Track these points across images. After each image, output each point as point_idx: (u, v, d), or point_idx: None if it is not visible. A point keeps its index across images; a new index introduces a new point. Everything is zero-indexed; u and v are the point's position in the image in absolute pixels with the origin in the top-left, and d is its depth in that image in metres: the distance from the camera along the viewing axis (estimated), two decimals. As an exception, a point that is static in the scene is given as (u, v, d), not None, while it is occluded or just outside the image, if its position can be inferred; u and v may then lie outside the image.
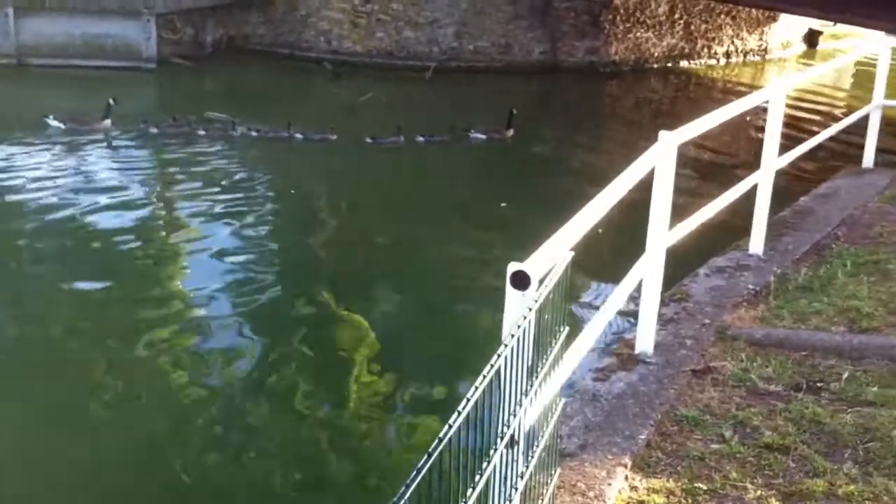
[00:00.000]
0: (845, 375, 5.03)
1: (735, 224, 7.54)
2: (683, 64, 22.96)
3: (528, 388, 3.16)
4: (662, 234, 5.09)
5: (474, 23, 20.13)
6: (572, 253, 3.49)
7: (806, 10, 17.30)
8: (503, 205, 11.82)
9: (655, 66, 22.44)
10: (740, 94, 19.68)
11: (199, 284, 9.21)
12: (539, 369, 3.29)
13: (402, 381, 7.48)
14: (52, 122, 13.78)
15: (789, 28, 25.15)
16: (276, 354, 7.98)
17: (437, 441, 2.28)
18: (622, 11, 21.45)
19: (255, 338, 8.24)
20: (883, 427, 4.49)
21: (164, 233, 10.68)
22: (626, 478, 4.16)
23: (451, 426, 2.35)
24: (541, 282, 3.21)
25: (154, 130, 14.13)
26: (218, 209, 11.42)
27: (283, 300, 9.12)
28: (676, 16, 22.44)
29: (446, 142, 14.84)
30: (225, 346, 7.96)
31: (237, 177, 12.84)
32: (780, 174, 7.05)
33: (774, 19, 24.18)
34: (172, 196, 11.93)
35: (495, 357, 2.81)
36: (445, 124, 15.05)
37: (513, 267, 3.15)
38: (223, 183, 12.44)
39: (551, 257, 3.33)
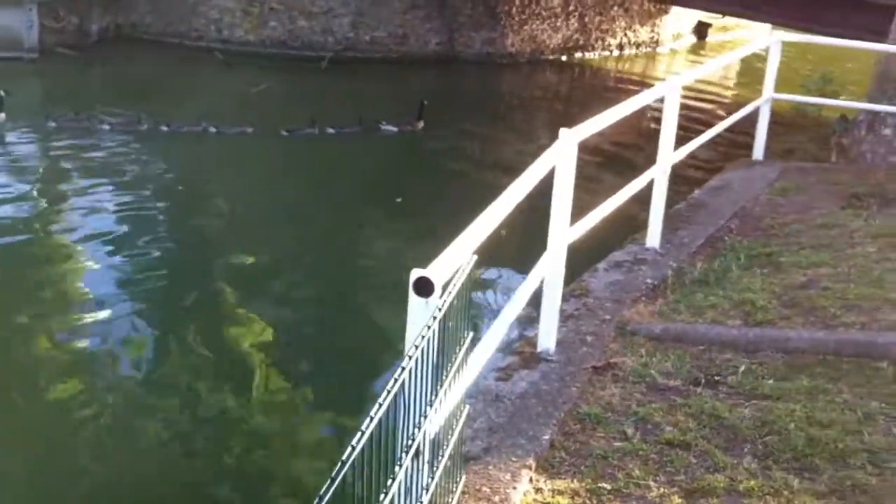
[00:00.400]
0: (742, 369, 5.11)
1: (635, 217, 7.62)
2: (578, 55, 23.24)
3: (433, 397, 3.09)
4: (563, 232, 5.07)
5: (371, 13, 19.96)
6: (475, 257, 3.43)
7: (695, 3, 17.66)
8: (398, 200, 11.77)
9: (551, 57, 22.66)
10: (634, 85, 20.08)
11: (90, 283, 9.01)
12: (444, 377, 3.22)
13: (301, 382, 7.37)
14: None
15: (679, 20, 25.72)
16: (171, 355, 7.79)
17: (340, 464, 2.18)
18: (518, 3, 21.56)
19: (150, 338, 8.05)
20: (780, 420, 4.56)
21: (56, 232, 10.33)
22: (531, 480, 4.13)
23: (353, 448, 2.25)
24: (444, 288, 3.14)
25: (52, 124, 13.55)
26: (117, 207, 11.17)
27: (179, 299, 8.89)
28: (571, 8, 22.68)
29: (358, 134, 14.73)
30: (118, 347, 7.77)
31: (137, 173, 12.51)
32: (676, 167, 7.14)
33: (666, 12, 24.67)
34: (67, 194, 11.54)
35: (399, 370, 2.73)
36: (345, 115, 14.92)
37: (416, 273, 3.06)
38: (123, 179, 12.16)
39: (454, 262, 3.26)
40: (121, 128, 13.88)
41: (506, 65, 21.57)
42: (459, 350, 3.37)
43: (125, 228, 10.52)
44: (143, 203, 11.40)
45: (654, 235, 7.04)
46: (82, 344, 7.78)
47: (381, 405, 2.51)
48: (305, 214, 11.49)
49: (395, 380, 2.66)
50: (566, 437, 4.48)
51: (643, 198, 6.81)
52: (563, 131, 4.94)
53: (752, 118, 9.82)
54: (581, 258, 6.26)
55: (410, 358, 2.75)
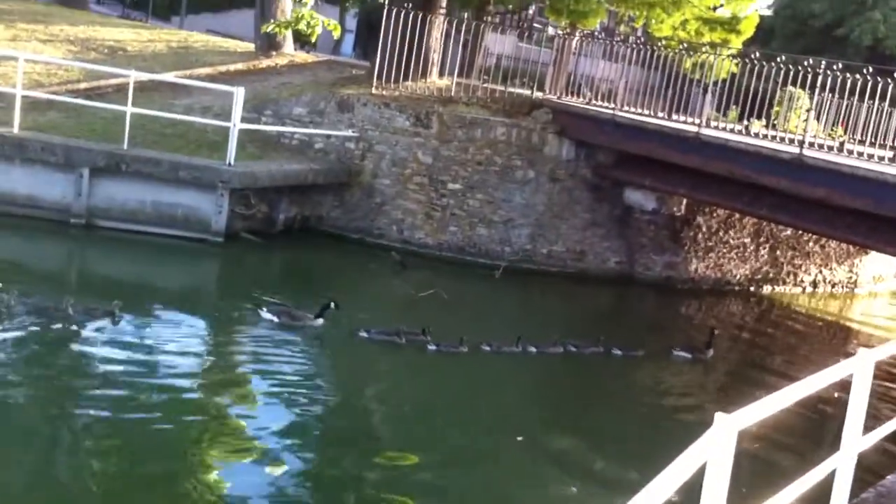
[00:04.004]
0: None
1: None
2: (767, 289, 22.07)
3: None
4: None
5: (550, 225, 19.72)
6: None
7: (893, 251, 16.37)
8: (519, 439, 10.95)
9: (737, 288, 21.61)
10: (824, 328, 18.61)
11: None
12: None
13: None
14: (266, 315, 13.62)
15: (882, 262, 24.21)
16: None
17: None
18: (705, 230, 20.84)
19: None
20: None
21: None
22: None
23: None
24: None
25: (363, 335, 13.63)
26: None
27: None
28: (762, 239, 21.73)
29: (643, 357, 14.95)
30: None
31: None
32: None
33: (866, 252, 23.29)
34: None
35: None
36: (517, 330, 14.61)
37: None
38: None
39: None
40: (445, 349, 13.66)
41: (686, 290, 20.67)
42: None
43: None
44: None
45: (833, 535, 5.86)
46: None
47: None
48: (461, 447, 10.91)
49: None
50: None
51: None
52: (718, 416, 4.07)
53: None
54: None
55: None
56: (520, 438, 11.13)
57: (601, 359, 14.61)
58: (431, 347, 13.57)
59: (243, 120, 18.07)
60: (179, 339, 12.66)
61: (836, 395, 10.76)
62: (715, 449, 4.01)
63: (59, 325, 11.94)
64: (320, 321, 13.72)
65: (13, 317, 11.89)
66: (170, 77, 20.63)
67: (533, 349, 14.08)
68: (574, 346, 14.52)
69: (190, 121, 18.74)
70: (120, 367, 11.15)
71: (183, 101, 20.26)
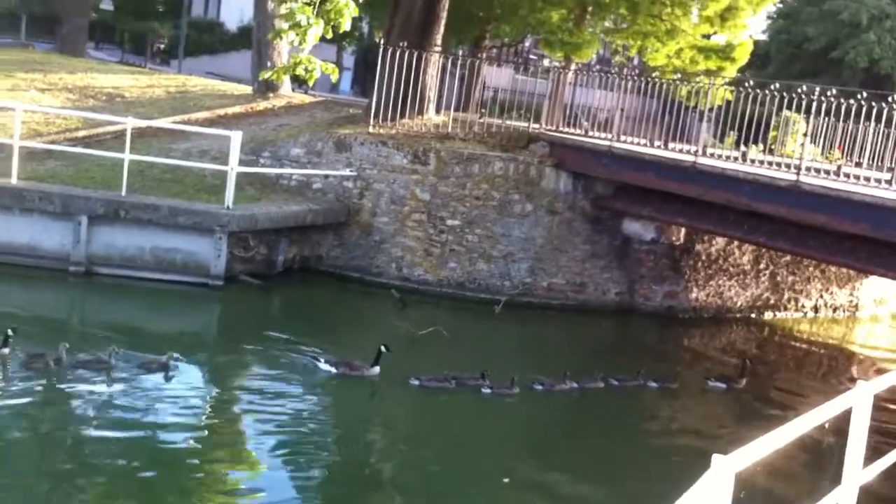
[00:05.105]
0: None
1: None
2: (768, 315, 22.02)
3: None
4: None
5: (550, 259, 19.71)
6: None
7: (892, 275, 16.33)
8: (505, 480, 10.92)
9: (738, 315, 21.56)
10: (826, 354, 18.57)
11: None
12: None
13: None
14: (323, 367, 13.59)
15: (882, 285, 24.15)
16: None
17: None
18: (704, 258, 20.83)
19: None
20: None
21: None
22: None
23: None
24: None
25: (415, 382, 13.55)
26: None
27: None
28: (762, 266, 21.71)
29: (673, 389, 15.30)
30: None
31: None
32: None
33: (867, 275, 23.25)
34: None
35: None
36: (524, 367, 14.58)
37: None
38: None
39: None
40: (498, 391, 13.68)
41: (688, 320, 20.62)
42: None
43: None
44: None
45: (837, 571, 5.79)
46: None
47: None
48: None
49: None
50: None
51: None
52: (716, 459, 4.04)
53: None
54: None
55: None
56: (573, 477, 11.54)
57: (639, 392, 14.84)
58: (486, 391, 13.59)
59: (241, 162, 18.16)
60: (200, 386, 12.89)
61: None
62: (713, 492, 3.98)
63: (102, 378, 12.13)
64: (377, 369, 13.66)
65: (63, 370, 12.04)
66: (167, 123, 20.76)
67: (575, 384, 14.28)
68: (617, 380, 14.80)
69: (188, 165, 18.84)
70: (140, 415, 11.30)
71: (181, 146, 20.37)
